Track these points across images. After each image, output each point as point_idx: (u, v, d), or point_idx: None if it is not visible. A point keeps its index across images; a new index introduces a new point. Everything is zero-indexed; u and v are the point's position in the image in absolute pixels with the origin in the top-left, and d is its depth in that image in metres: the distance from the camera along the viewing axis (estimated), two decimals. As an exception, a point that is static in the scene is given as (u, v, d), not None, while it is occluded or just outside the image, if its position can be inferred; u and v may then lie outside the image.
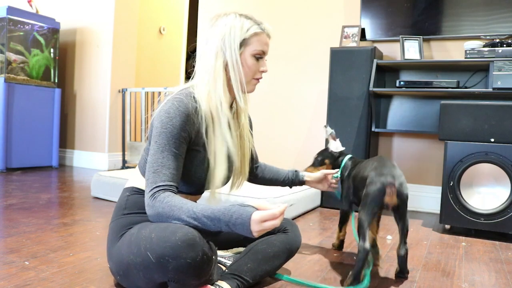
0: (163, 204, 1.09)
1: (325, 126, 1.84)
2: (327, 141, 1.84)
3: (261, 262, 1.30)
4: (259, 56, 1.26)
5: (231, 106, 1.33)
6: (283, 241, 1.37)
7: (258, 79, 1.29)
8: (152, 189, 1.11)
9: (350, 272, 1.36)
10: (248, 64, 1.25)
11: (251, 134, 1.45)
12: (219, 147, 1.23)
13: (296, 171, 1.68)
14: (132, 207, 1.25)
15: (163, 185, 1.11)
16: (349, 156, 1.75)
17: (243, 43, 1.23)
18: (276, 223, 1.05)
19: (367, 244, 1.32)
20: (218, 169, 1.23)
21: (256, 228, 1.03)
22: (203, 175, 1.24)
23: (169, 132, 1.14)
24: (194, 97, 1.21)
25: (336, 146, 1.80)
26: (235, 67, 1.23)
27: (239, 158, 1.35)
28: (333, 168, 1.77)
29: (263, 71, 1.28)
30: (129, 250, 1.10)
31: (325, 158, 1.81)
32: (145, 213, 1.18)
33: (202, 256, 1.02)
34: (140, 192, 1.27)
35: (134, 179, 1.31)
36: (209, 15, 3.60)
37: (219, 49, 1.22)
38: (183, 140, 1.17)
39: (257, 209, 1.07)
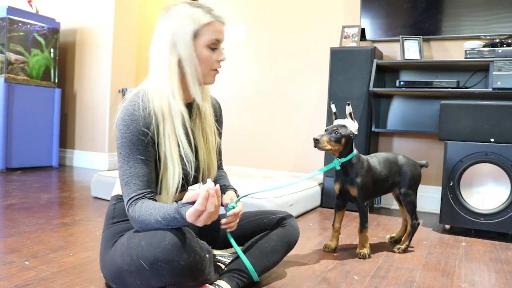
0: (137, 216, 1.08)
1: (332, 103, 1.74)
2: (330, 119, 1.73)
3: (260, 257, 1.30)
4: (214, 46, 1.18)
5: (191, 103, 1.27)
6: (281, 235, 1.36)
7: (216, 70, 1.21)
8: (127, 203, 1.11)
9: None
10: (203, 56, 1.17)
11: (219, 131, 1.39)
12: (172, 148, 1.15)
13: (227, 187, 1.42)
14: (120, 215, 1.24)
15: (135, 196, 1.10)
16: (355, 149, 1.72)
17: (195, 35, 1.15)
18: (208, 214, 1.00)
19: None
20: (170, 171, 1.16)
21: (199, 224, 1.02)
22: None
23: (129, 140, 1.12)
24: (147, 98, 1.16)
25: (355, 128, 1.67)
26: (190, 62, 1.15)
27: (203, 156, 1.28)
28: (342, 154, 1.65)
29: (220, 61, 1.20)
30: (122, 260, 1.09)
31: (343, 137, 1.62)
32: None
33: (195, 256, 1.03)
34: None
35: (117, 187, 1.30)
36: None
37: (171, 44, 1.14)
38: (146, 144, 1.13)
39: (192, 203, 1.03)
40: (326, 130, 1.65)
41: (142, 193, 1.11)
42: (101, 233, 1.79)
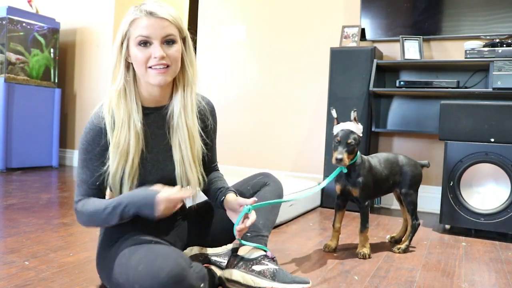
0: (83, 213, 1.15)
1: (332, 109, 1.72)
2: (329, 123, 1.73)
3: (267, 215, 1.37)
4: (144, 42, 1.11)
5: (161, 108, 1.23)
6: (271, 191, 1.41)
7: (153, 67, 1.11)
8: (76, 201, 1.18)
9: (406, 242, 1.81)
10: (134, 55, 1.12)
11: (205, 140, 1.32)
12: (119, 156, 1.13)
13: (227, 189, 1.34)
14: None
15: (82, 199, 1.17)
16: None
17: (125, 37, 1.13)
18: (176, 201, 1.07)
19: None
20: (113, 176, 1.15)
21: (160, 208, 1.06)
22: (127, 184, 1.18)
23: (85, 148, 1.16)
24: (107, 105, 1.16)
25: (361, 131, 1.65)
26: (134, 65, 1.15)
27: (180, 167, 1.23)
28: (352, 159, 1.65)
29: (155, 57, 1.10)
30: (119, 274, 1.09)
31: (357, 145, 1.63)
32: (124, 223, 1.16)
33: None
34: None
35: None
36: (209, 16, 3.60)
37: (115, 51, 1.15)
38: (99, 154, 1.15)
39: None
40: (338, 142, 1.62)
41: (89, 197, 1.18)
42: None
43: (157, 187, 1.10)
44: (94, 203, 1.14)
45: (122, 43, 1.15)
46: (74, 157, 4.18)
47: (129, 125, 1.14)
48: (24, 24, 3.66)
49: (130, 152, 1.14)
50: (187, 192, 1.10)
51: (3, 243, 1.63)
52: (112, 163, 1.14)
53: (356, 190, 1.69)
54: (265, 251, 1.29)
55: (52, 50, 3.92)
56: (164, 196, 1.06)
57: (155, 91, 1.19)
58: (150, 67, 1.12)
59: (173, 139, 1.23)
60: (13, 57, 3.59)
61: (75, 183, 2.70)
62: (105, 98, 1.19)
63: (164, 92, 1.22)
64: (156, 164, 1.21)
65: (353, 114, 1.66)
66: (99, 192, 1.18)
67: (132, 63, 1.16)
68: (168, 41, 1.13)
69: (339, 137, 1.62)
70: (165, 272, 0.98)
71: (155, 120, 1.23)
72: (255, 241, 1.30)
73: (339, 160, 1.58)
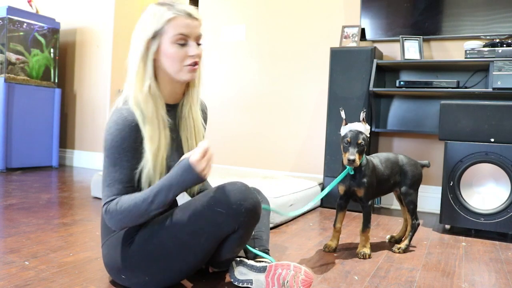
0: (118, 211, 1.12)
1: (341, 110, 1.71)
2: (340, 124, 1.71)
3: (267, 230, 1.48)
4: (181, 42, 1.16)
5: (177, 104, 1.29)
6: (263, 207, 1.47)
7: (190, 66, 1.18)
8: (105, 203, 1.15)
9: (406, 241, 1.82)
10: (170, 52, 1.16)
11: (204, 127, 1.39)
12: (153, 152, 1.17)
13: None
14: None
15: (115, 198, 1.15)
16: None
17: (158, 34, 1.16)
18: (210, 156, 1.12)
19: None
20: (151, 172, 1.18)
21: (201, 166, 1.09)
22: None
23: (120, 145, 1.13)
24: (132, 102, 1.17)
25: (368, 131, 1.65)
26: (161, 60, 1.17)
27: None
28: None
29: (192, 56, 1.17)
30: (181, 224, 1.13)
31: (366, 145, 1.63)
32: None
33: (257, 197, 1.18)
34: None
35: None
36: (209, 15, 3.60)
37: (141, 47, 1.16)
38: (134, 150, 1.15)
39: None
40: (348, 143, 1.61)
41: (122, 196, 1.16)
42: (101, 233, 1.78)
43: (184, 155, 1.13)
44: (129, 199, 1.12)
45: (152, 39, 1.16)
46: (74, 157, 4.19)
47: (158, 121, 1.18)
48: (24, 24, 3.66)
49: (161, 147, 1.18)
50: (206, 143, 1.12)
51: (3, 243, 1.63)
52: (148, 159, 1.15)
53: (361, 190, 1.69)
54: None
55: (52, 50, 3.92)
56: (196, 157, 1.08)
57: (178, 88, 1.25)
58: (185, 65, 1.18)
59: (182, 132, 1.29)
60: (13, 57, 3.59)
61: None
62: (128, 93, 1.18)
63: (183, 89, 1.28)
64: (171, 157, 1.25)
65: (362, 115, 1.65)
66: (133, 190, 1.16)
67: (155, 60, 1.18)
68: (198, 41, 1.20)
69: (349, 137, 1.61)
70: (237, 185, 1.14)
71: (171, 116, 1.27)
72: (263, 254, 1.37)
73: (352, 161, 1.57)
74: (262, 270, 1.24)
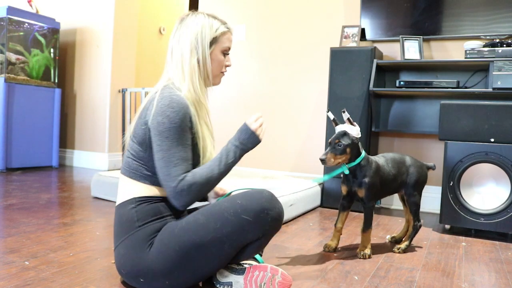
0: (197, 183, 1.20)
1: (328, 111, 1.72)
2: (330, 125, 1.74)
3: None
4: (226, 52, 1.38)
5: None
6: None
7: (223, 73, 1.41)
8: (177, 181, 1.19)
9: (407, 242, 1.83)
10: (218, 59, 1.36)
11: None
12: (206, 134, 1.32)
13: None
14: (145, 217, 1.23)
15: (187, 174, 1.21)
16: (363, 151, 1.72)
17: (213, 41, 1.33)
18: (262, 120, 1.30)
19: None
20: (208, 155, 1.33)
21: (255, 126, 1.27)
22: (198, 158, 1.33)
23: (179, 126, 1.21)
24: (177, 89, 1.29)
25: (357, 132, 1.66)
26: (206, 63, 1.33)
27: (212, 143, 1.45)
28: (351, 160, 1.66)
29: (228, 65, 1.40)
30: (205, 230, 1.18)
31: (347, 147, 1.64)
32: (160, 218, 1.24)
33: (282, 206, 1.27)
34: (147, 200, 1.25)
35: (131, 189, 1.27)
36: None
37: (193, 47, 1.31)
38: (190, 131, 1.25)
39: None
40: (329, 143, 1.66)
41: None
42: (101, 233, 1.79)
43: (246, 121, 1.29)
44: (202, 169, 1.22)
45: (210, 45, 1.33)
46: (74, 157, 4.19)
47: (205, 105, 1.34)
48: (24, 24, 3.66)
49: (209, 127, 1.35)
50: (259, 113, 1.31)
51: (3, 243, 1.63)
52: (203, 138, 1.29)
53: (361, 190, 1.69)
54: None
55: (52, 50, 3.92)
56: (251, 119, 1.28)
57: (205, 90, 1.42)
58: (222, 72, 1.40)
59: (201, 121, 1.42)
60: (13, 57, 3.59)
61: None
62: (178, 86, 1.29)
63: None
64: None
65: (344, 116, 1.67)
66: (195, 167, 1.27)
67: (198, 61, 1.34)
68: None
69: (330, 139, 1.67)
70: (265, 194, 1.23)
71: None
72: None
73: (322, 161, 1.62)
74: (241, 272, 1.26)
